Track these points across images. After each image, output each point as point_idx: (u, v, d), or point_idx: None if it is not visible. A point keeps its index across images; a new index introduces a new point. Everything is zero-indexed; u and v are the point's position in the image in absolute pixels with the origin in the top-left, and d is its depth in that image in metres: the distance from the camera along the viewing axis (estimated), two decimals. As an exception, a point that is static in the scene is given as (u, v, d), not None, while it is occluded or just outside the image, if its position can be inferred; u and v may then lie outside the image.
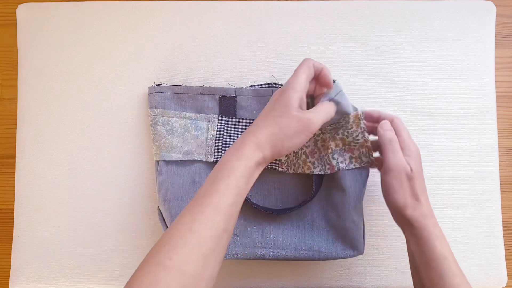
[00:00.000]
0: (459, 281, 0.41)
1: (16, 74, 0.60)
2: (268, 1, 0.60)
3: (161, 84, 0.56)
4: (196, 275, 0.34)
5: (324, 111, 0.43)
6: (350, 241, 0.51)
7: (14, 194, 0.58)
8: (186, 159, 0.53)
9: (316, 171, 0.50)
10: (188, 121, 0.54)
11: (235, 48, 0.59)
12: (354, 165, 0.49)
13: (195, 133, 0.54)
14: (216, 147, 0.53)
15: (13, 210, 0.58)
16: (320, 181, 0.52)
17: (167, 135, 0.53)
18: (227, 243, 0.38)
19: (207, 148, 0.53)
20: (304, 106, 0.44)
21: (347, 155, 0.49)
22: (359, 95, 0.58)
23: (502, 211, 0.58)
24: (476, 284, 0.57)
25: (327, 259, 0.52)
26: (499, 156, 0.59)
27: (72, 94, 0.59)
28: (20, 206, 0.58)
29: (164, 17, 0.59)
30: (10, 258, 0.58)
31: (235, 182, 0.38)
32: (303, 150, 0.51)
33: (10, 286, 0.58)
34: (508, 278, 0.58)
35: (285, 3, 0.60)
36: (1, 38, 0.63)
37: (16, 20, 0.60)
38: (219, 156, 0.53)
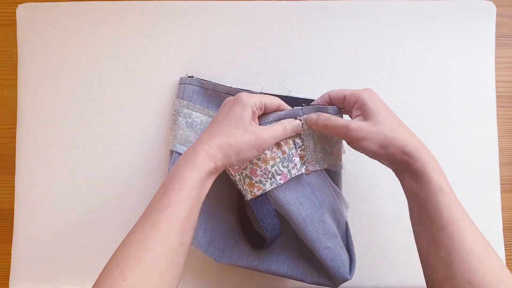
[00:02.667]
0: (458, 213, 0.37)
1: (16, 74, 0.60)
2: (268, 1, 0.60)
3: (192, 77, 0.56)
4: None
5: (277, 131, 0.43)
6: (330, 268, 0.47)
7: (14, 194, 0.58)
8: None
9: (267, 187, 0.45)
10: (210, 119, 0.54)
11: (234, 48, 0.59)
12: (315, 166, 0.47)
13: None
14: None
15: (13, 210, 0.58)
16: (274, 227, 0.48)
17: (185, 127, 0.53)
18: (185, 256, 0.37)
19: None
20: (256, 121, 0.44)
21: (297, 160, 0.46)
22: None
23: (502, 211, 0.58)
24: (476, 284, 0.57)
25: (318, 284, 0.50)
26: (499, 156, 0.59)
27: (72, 94, 0.59)
28: (20, 206, 0.58)
29: (164, 17, 0.59)
30: (10, 258, 0.58)
31: (187, 194, 0.37)
32: (243, 174, 0.46)
33: (10, 286, 0.58)
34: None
35: (285, 3, 0.60)
36: (1, 38, 0.63)
37: (16, 20, 0.60)
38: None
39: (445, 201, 0.37)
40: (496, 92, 0.59)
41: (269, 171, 0.45)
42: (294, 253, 0.51)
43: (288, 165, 0.46)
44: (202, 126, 0.54)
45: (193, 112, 0.54)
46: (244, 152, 0.41)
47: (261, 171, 0.45)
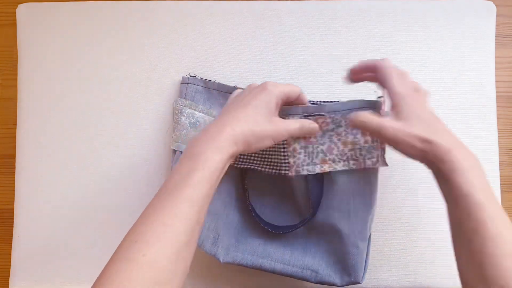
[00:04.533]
0: (487, 214, 0.35)
1: (16, 74, 0.60)
2: (267, 1, 0.60)
3: (195, 76, 0.55)
4: (170, 269, 0.33)
5: (293, 128, 0.44)
6: (350, 267, 0.48)
7: (14, 194, 0.58)
8: None
9: (339, 167, 0.47)
10: (213, 120, 0.52)
11: (234, 48, 0.59)
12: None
13: None
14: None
15: (13, 210, 0.58)
16: (319, 200, 0.50)
17: (189, 127, 0.52)
18: (199, 234, 0.38)
19: None
20: (277, 113, 0.44)
21: (376, 153, 0.47)
22: (358, 95, 0.58)
23: (502, 211, 0.58)
24: (476, 284, 0.57)
25: (322, 283, 0.50)
26: (499, 156, 0.59)
27: (72, 94, 0.59)
28: (20, 206, 0.58)
29: (164, 17, 0.59)
30: (10, 258, 0.58)
31: (210, 175, 0.37)
32: (319, 148, 0.48)
33: (10, 286, 0.58)
34: (508, 278, 0.58)
35: (285, 3, 0.60)
36: (1, 38, 0.63)
37: (16, 20, 0.60)
38: (240, 162, 0.50)
39: (473, 204, 0.36)
40: (496, 92, 0.59)
41: (345, 154, 0.47)
42: (299, 252, 0.51)
43: (365, 155, 0.47)
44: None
45: (196, 112, 0.53)
46: (263, 141, 0.41)
47: (338, 151, 0.47)
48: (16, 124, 0.59)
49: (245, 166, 0.50)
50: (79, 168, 0.58)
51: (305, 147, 0.48)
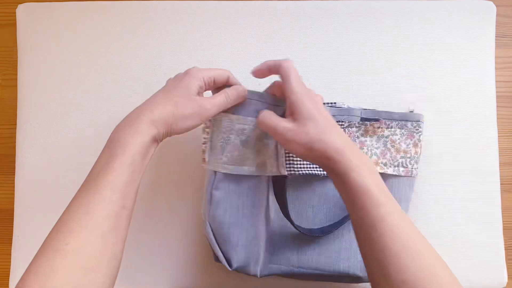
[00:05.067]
0: (385, 210, 0.36)
1: (16, 74, 0.60)
2: (268, 1, 0.60)
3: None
4: (97, 255, 0.34)
5: (219, 100, 0.44)
6: None
7: (14, 194, 0.58)
8: (259, 174, 0.47)
9: (389, 171, 0.51)
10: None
11: (234, 48, 0.59)
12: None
13: (266, 140, 0.47)
14: (288, 156, 0.49)
15: (13, 210, 0.58)
16: None
17: (240, 146, 0.46)
18: (128, 219, 0.38)
19: (279, 159, 0.48)
20: (202, 95, 0.45)
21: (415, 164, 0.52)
22: (358, 95, 0.58)
23: (502, 211, 0.58)
24: (476, 284, 0.57)
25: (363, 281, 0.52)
26: (499, 156, 0.59)
27: (72, 94, 0.59)
28: (20, 206, 0.58)
29: (164, 17, 0.59)
30: (10, 258, 0.58)
31: (131, 159, 0.38)
32: (373, 151, 0.52)
33: (10, 286, 0.58)
34: (508, 278, 0.58)
35: (285, 3, 0.60)
36: (1, 38, 0.63)
37: (16, 20, 0.60)
38: (292, 168, 0.49)
39: (370, 201, 0.37)
40: (496, 92, 0.59)
41: (397, 160, 0.51)
42: (333, 257, 0.52)
43: (414, 164, 0.51)
44: (256, 139, 0.47)
45: (246, 126, 0.46)
46: (186, 120, 0.42)
47: (391, 156, 0.51)
48: (16, 124, 0.59)
49: (300, 172, 0.49)
50: (79, 168, 0.58)
51: (361, 149, 0.51)
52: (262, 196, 0.50)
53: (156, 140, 0.41)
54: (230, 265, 0.49)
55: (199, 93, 0.44)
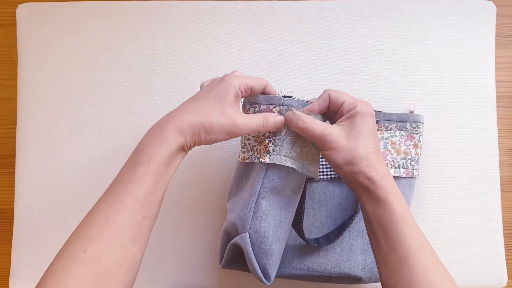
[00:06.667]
0: (419, 244, 0.37)
1: (16, 74, 0.60)
2: (268, 1, 0.60)
3: (291, 97, 0.44)
4: (114, 265, 0.33)
5: (256, 123, 0.41)
6: None
7: (14, 194, 0.58)
8: (308, 174, 0.45)
9: (391, 173, 0.49)
10: None
11: (234, 48, 0.59)
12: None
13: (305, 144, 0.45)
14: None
15: (13, 210, 0.58)
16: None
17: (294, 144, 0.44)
18: (150, 229, 0.37)
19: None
20: (239, 104, 0.42)
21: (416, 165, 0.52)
22: (358, 95, 0.58)
23: (502, 211, 0.58)
24: (476, 284, 0.57)
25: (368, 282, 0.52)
26: (499, 156, 0.59)
27: (72, 94, 0.59)
28: (20, 206, 0.58)
29: (164, 17, 0.59)
30: (10, 258, 0.58)
31: (155, 168, 0.36)
32: None
33: (10, 286, 0.58)
34: (508, 278, 0.58)
35: (285, 3, 0.60)
36: (1, 38, 0.63)
37: (16, 20, 0.60)
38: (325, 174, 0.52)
39: (407, 231, 0.37)
40: (496, 92, 0.59)
41: (397, 161, 0.51)
42: (344, 261, 0.52)
43: (414, 165, 0.51)
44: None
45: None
46: (214, 134, 0.39)
47: (392, 158, 0.51)
48: (16, 124, 0.59)
49: (328, 177, 0.52)
50: (79, 168, 0.58)
51: None
52: (282, 206, 0.46)
53: (184, 149, 0.39)
54: (268, 279, 0.46)
55: (236, 101, 0.41)
